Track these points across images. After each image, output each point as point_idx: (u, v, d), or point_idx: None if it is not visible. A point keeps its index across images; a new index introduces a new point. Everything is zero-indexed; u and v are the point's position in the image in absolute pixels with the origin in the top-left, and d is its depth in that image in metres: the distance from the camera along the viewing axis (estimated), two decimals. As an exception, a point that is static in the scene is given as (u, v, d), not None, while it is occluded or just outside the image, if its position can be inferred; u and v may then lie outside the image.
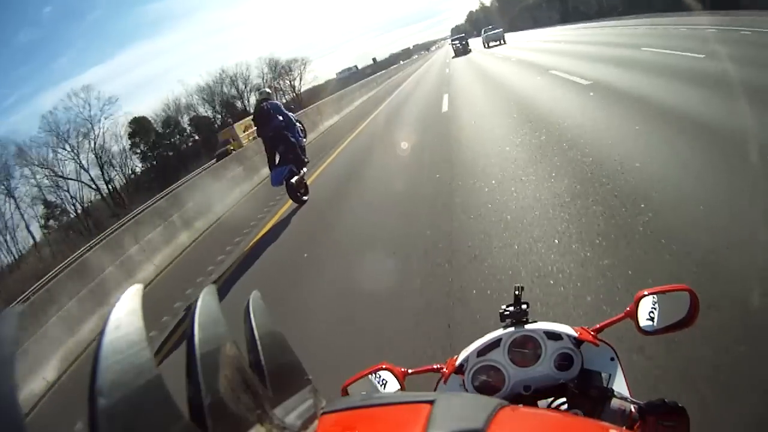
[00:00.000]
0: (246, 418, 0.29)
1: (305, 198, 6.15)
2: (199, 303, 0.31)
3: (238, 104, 49.15)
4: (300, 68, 56.08)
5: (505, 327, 0.81)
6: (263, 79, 50.97)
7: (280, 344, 0.36)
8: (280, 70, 53.73)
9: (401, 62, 52.89)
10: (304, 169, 6.09)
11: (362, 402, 0.37)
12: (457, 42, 35.66)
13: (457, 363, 0.81)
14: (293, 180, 5.77)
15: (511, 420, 0.34)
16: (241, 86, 49.63)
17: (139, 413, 0.23)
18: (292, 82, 54.98)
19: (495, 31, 32.93)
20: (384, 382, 0.82)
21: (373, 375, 0.83)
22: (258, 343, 0.34)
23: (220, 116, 48.01)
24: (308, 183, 6.37)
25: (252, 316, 0.36)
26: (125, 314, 0.26)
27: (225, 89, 49.04)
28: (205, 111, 48.15)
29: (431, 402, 0.33)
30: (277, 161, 5.89)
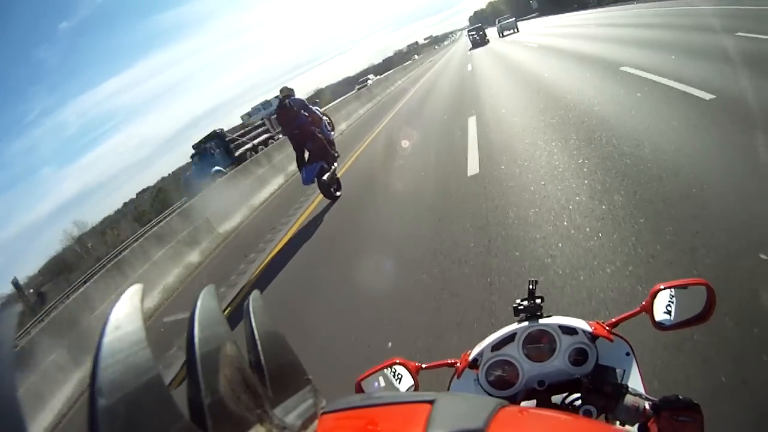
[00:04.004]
0: (246, 418, 0.29)
1: (338, 194, 6.11)
2: (198, 303, 0.31)
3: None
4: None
5: (520, 321, 0.80)
6: None
7: (280, 344, 0.36)
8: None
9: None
10: (335, 164, 6.07)
11: (362, 402, 0.36)
12: (474, 33, 35.15)
13: (471, 357, 0.80)
14: (325, 177, 5.74)
15: (511, 420, 0.34)
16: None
17: (139, 413, 0.23)
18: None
19: (508, 21, 35.10)
20: (399, 376, 0.82)
21: (388, 370, 0.83)
22: (258, 343, 0.34)
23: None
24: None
25: (252, 315, 0.36)
26: (125, 314, 0.26)
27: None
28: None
29: (431, 402, 0.33)
30: (306, 158, 5.84)
